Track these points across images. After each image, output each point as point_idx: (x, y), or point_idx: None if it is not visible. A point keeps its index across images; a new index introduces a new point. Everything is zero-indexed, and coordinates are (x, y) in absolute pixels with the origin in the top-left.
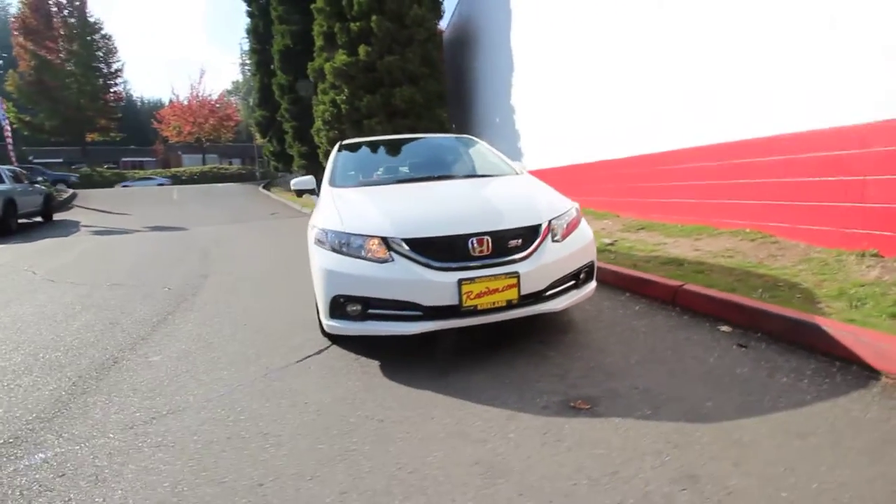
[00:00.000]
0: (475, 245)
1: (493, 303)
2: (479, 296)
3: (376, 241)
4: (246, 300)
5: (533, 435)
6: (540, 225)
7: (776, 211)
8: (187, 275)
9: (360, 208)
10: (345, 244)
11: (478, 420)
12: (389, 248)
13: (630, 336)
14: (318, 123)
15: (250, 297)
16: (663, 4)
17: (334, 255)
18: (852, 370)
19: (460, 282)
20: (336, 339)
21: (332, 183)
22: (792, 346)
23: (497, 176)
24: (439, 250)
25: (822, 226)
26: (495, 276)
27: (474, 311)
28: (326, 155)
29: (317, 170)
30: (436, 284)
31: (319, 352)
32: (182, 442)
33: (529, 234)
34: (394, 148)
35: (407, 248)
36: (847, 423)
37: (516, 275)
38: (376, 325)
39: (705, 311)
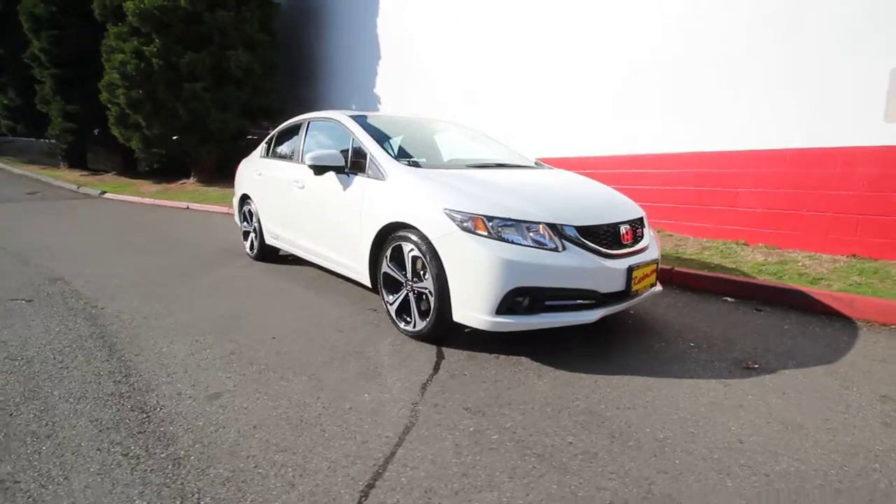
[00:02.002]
0: (625, 233)
1: (643, 287)
2: (639, 281)
3: (545, 228)
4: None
5: (743, 382)
6: (643, 217)
7: (664, 212)
8: (28, 283)
9: (487, 193)
10: (512, 232)
11: (694, 384)
12: (561, 236)
13: (692, 313)
14: (114, 77)
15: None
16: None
17: (503, 244)
18: (836, 318)
19: (630, 268)
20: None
21: (400, 161)
22: (785, 308)
23: (545, 167)
24: (601, 238)
25: (704, 223)
26: (647, 263)
27: (634, 295)
28: (123, 119)
29: (102, 140)
30: (611, 271)
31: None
32: None
33: (641, 225)
34: (411, 128)
35: (578, 235)
36: (866, 343)
37: (656, 261)
38: (553, 317)
39: (703, 287)
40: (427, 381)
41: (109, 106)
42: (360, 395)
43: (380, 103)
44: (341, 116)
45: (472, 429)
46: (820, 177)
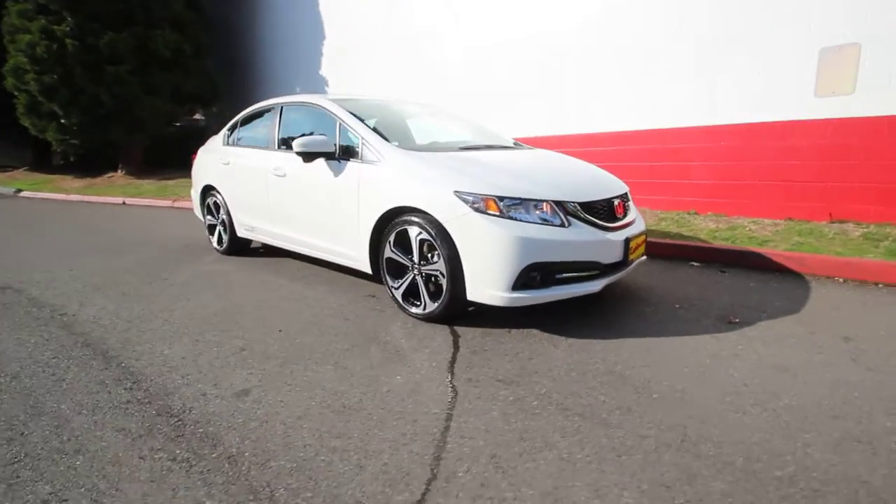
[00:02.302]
0: (618, 207)
1: (636, 256)
2: (633, 251)
3: (549, 205)
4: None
5: (731, 335)
6: (628, 191)
7: None
8: None
9: (489, 174)
10: (521, 210)
11: (691, 340)
12: (566, 212)
13: (666, 278)
14: (20, 60)
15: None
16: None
17: (516, 223)
18: (790, 275)
19: (627, 240)
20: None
21: (397, 146)
22: (744, 268)
23: (526, 147)
24: (599, 213)
25: (660, 196)
26: (638, 234)
27: (629, 264)
28: (35, 107)
29: (6, 132)
30: (612, 243)
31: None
32: None
33: (628, 199)
34: (384, 111)
35: (581, 211)
36: (820, 294)
37: (645, 232)
38: (563, 289)
39: (670, 255)
40: (452, 358)
41: (17, 93)
42: (393, 378)
43: (327, 86)
44: (323, 101)
45: (511, 398)
46: (761, 149)
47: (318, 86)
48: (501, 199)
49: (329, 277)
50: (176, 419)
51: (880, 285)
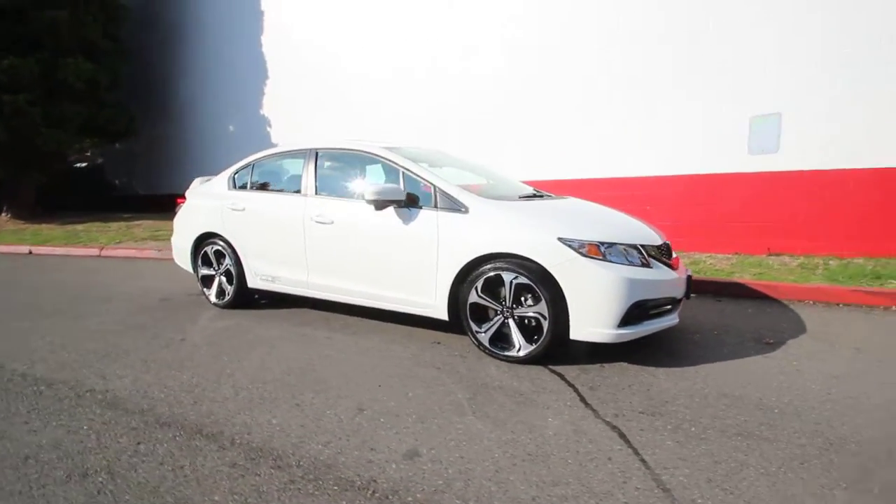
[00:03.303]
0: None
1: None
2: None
3: (637, 249)
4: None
5: (777, 353)
6: None
7: None
8: None
9: (577, 221)
10: (615, 254)
11: (753, 361)
12: (647, 255)
13: (684, 308)
14: None
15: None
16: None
17: (618, 266)
18: (770, 300)
19: (689, 277)
20: None
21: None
22: (733, 296)
23: (559, 196)
24: (664, 255)
25: None
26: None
27: (688, 298)
28: None
29: None
30: (681, 280)
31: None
32: None
33: None
34: (430, 160)
35: (657, 254)
36: (808, 315)
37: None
38: (653, 323)
39: None
40: (579, 397)
41: None
42: (545, 421)
43: (269, 126)
44: (380, 150)
45: (668, 427)
46: (708, 195)
47: (259, 125)
48: (602, 244)
49: (370, 327)
50: (371, 492)
51: (841, 305)
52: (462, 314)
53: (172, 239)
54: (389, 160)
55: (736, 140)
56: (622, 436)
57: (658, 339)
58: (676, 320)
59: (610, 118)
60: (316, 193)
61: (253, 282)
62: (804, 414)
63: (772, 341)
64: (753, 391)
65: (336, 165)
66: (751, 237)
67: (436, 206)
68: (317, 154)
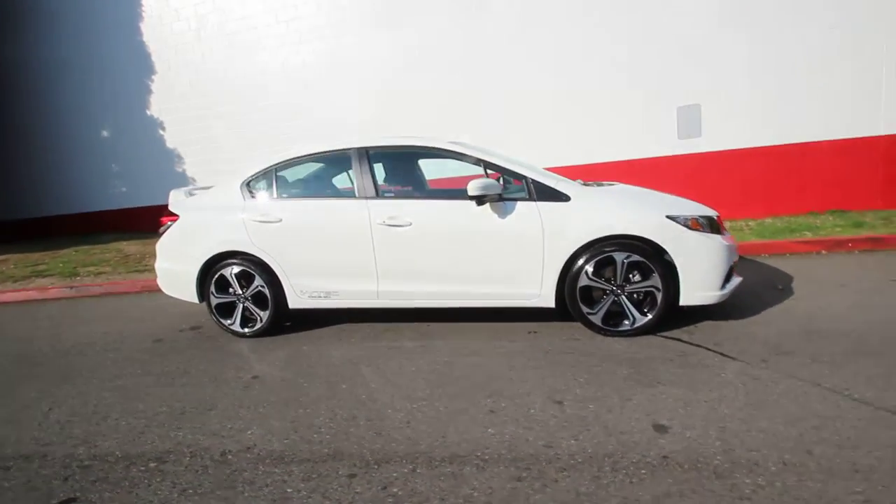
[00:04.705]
0: None
1: None
2: None
3: (707, 221)
4: None
5: (794, 296)
6: None
7: None
8: None
9: (666, 201)
10: (707, 227)
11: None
12: (714, 226)
13: None
14: None
15: None
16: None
17: (715, 235)
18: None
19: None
20: None
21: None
22: None
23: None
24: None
25: None
26: None
27: None
28: None
29: None
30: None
31: None
32: None
33: None
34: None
35: (718, 225)
36: (778, 266)
37: None
38: (734, 282)
39: None
40: (718, 354)
41: None
42: (722, 377)
43: (162, 129)
44: (448, 144)
45: (808, 360)
46: (650, 176)
47: (149, 127)
48: (700, 217)
49: (444, 330)
50: (685, 466)
51: (788, 255)
52: (570, 299)
53: (162, 265)
54: (465, 154)
55: (667, 128)
56: (791, 375)
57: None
58: (741, 278)
59: (567, 116)
60: (378, 195)
61: (297, 301)
62: (870, 331)
63: (781, 287)
64: (823, 323)
65: (395, 164)
66: None
67: (532, 197)
68: (367, 153)
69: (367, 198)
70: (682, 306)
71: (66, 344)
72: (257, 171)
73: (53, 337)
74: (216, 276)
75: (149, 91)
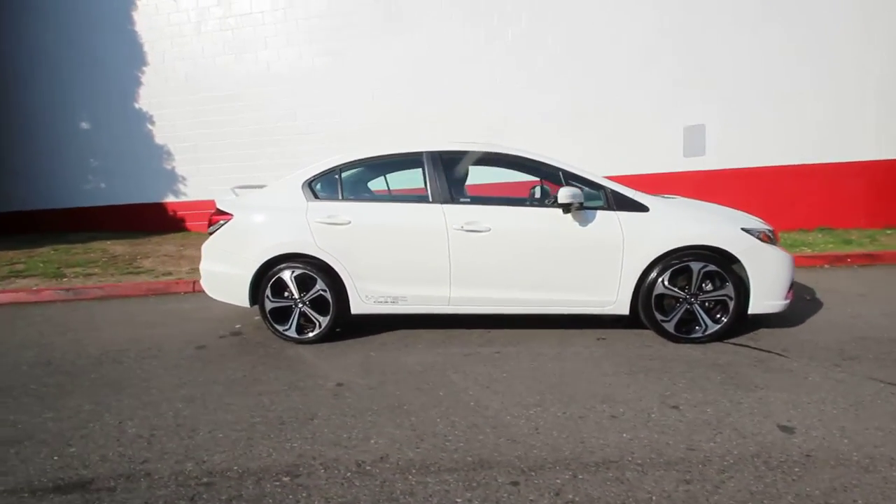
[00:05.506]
0: None
1: None
2: None
3: (774, 234)
4: None
5: (826, 307)
6: None
7: None
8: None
9: (735, 214)
10: (773, 239)
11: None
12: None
13: None
14: None
15: None
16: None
17: (780, 247)
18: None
19: None
20: None
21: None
22: None
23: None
24: None
25: None
26: None
27: None
28: None
29: None
30: None
31: None
32: None
33: None
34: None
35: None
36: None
37: None
38: (790, 294)
39: None
40: (790, 360)
41: None
42: (808, 380)
43: (152, 124)
44: (523, 153)
45: (875, 365)
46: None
47: (139, 122)
48: (769, 231)
49: (511, 337)
50: (801, 466)
51: (826, 266)
52: (645, 306)
53: (209, 267)
54: (543, 163)
55: (674, 146)
56: (869, 377)
57: None
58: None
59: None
60: (452, 200)
61: (361, 306)
62: None
63: (809, 298)
64: (866, 331)
65: (468, 169)
66: None
67: (611, 207)
68: (441, 158)
69: (441, 202)
70: (749, 315)
71: (91, 351)
72: (320, 170)
73: (73, 343)
74: (273, 279)
75: (137, 83)
